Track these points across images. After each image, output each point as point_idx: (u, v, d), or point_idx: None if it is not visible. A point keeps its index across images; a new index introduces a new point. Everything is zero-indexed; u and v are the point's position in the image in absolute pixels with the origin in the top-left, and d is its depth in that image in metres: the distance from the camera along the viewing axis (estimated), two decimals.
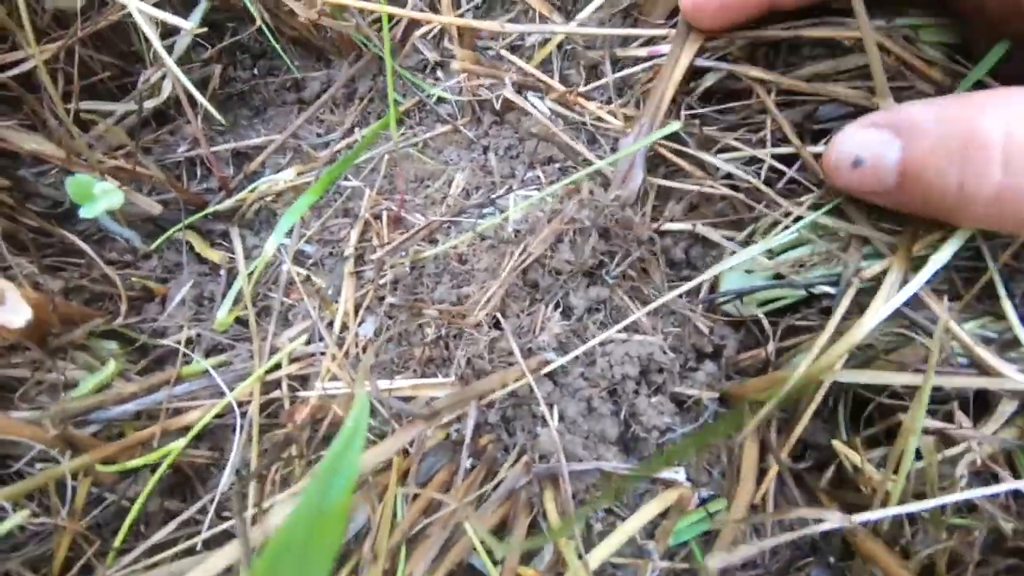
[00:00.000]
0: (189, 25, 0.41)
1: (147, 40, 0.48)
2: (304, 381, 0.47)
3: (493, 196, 0.54)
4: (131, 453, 0.36)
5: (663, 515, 0.39)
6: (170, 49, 0.48)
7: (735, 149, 0.43)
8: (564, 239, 0.44)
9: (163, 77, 0.50)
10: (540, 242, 0.43)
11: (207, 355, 0.46)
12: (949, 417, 0.30)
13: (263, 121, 0.62)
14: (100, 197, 0.38)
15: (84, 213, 0.38)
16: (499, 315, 0.45)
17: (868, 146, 0.31)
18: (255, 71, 0.63)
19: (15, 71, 0.41)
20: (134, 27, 0.48)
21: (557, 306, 0.45)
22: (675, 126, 0.41)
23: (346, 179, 0.56)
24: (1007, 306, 0.32)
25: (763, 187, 0.41)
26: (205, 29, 0.45)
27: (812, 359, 0.33)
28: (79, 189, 0.38)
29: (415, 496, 0.39)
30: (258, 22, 0.50)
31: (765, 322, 0.41)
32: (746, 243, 0.44)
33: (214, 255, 0.50)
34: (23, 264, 0.38)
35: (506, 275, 0.44)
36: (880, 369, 0.31)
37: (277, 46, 0.54)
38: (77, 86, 0.43)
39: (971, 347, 0.29)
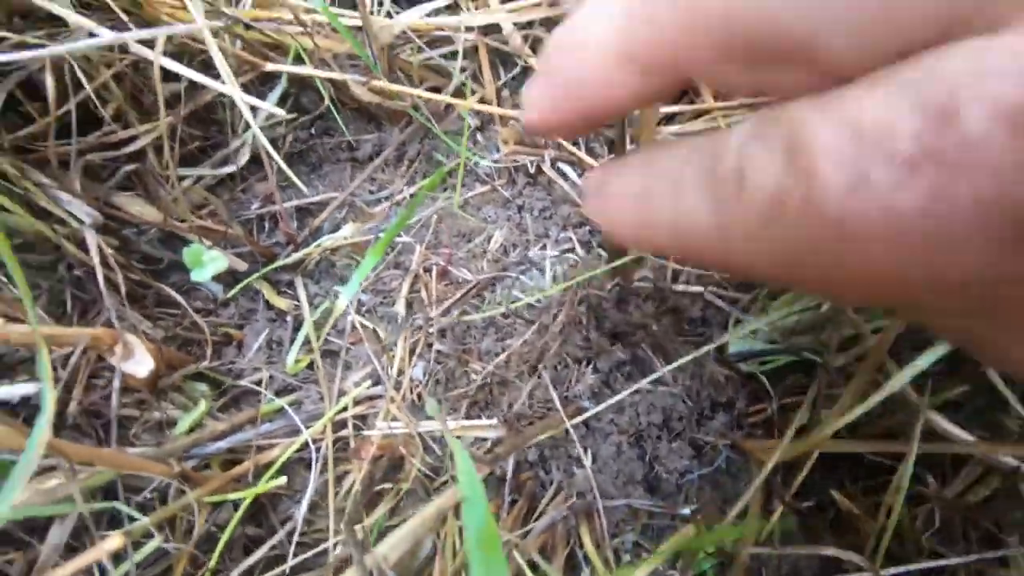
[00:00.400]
0: (282, 112, 0.47)
1: (233, 110, 0.55)
2: (364, 420, 0.53)
3: (529, 254, 0.61)
4: (229, 486, 0.42)
5: (683, 548, 0.45)
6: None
7: None
8: (573, 329, 0.51)
9: (242, 143, 0.57)
10: (554, 331, 0.50)
11: (277, 395, 0.52)
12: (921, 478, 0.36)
13: (319, 177, 0.68)
14: (208, 263, 0.45)
15: (195, 277, 0.45)
16: (539, 366, 0.52)
17: None
18: (312, 131, 0.69)
19: (130, 148, 0.47)
20: (221, 104, 0.55)
21: (588, 362, 0.52)
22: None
23: (398, 235, 0.63)
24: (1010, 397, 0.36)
25: None
26: (293, 115, 0.52)
27: (790, 437, 0.39)
28: (193, 257, 0.44)
29: None
30: (326, 100, 0.56)
31: (765, 380, 0.48)
32: (750, 306, 0.51)
33: (281, 303, 0.56)
34: (139, 318, 0.44)
35: (540, 352, 0.51)
36: (866, 439, 0.38)
37: (339, 118, 0.61)
38: (177, 156, 0.50)
39: (951, 434, 0.35)
